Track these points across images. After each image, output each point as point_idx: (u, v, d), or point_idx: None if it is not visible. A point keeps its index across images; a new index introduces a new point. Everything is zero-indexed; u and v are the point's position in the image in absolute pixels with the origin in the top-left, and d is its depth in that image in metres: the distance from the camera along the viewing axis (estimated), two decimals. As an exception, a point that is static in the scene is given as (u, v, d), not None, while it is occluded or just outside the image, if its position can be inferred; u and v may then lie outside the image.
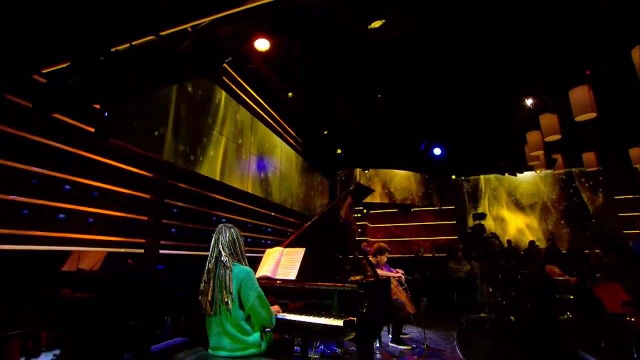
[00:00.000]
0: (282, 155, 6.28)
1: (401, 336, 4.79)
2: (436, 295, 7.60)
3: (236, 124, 4.84)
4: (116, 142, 3.00)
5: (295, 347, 3.42)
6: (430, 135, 8.86)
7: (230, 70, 4.81)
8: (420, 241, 10.68)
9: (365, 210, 10.82)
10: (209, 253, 2.20)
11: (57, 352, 2.80)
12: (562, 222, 9.65)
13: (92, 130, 2.83)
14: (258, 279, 3.11)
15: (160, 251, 3.65)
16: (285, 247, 3.33)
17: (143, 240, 3.45)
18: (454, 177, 10.47)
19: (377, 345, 4.47)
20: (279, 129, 6.41)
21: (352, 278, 2.84)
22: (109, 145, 3.02)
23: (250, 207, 5.57)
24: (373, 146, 8.98)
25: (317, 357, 3.96)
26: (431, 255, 9.60)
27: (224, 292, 2.10)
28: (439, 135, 8.91)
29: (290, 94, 5.11)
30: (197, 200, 4.33)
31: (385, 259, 4.89)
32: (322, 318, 2.49)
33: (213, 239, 2.22)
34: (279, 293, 2.96)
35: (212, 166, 4.32)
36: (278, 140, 6.13)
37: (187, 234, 4.25)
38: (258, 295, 2.14)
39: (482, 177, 10.60)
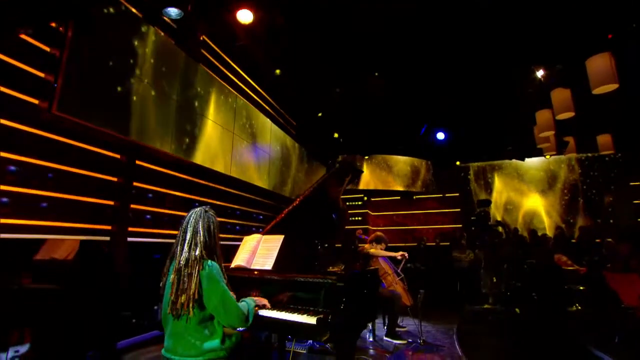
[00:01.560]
0: (273, 138, 5.91)
1: (397, 329, 4.48)
2: (439, 286, 7.29)
3: (218, 103, 4.47)
4: (71, 118, 2.66)
5: (288, 343, 3.13)
6: (433, 118, 8.40)
7: (211, 44, 4.42)
8: (423, 229, 10.32)
9: (365, 198, 10.46)
10: (177, 240, 1.86)
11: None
12: (572, 209, 9.17)
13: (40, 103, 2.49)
14: (233, 269, 2.84)
15: (132, 239, 3.36)
16: (265, 234, 3.01)
17: (109, 227, 3.15)
18: (458, 163, 10.00)
19: (371, 339, 4.17)
20: (270, 111, 6.03)
21: (331, 268, 2.51)
22: (62, 121, 2.69)
23: (239, 192, 5.25)
24: (372, 131, 8.56)
25: (304, 351, 3.67)
26: (434, 244, 9.25)
27: (189, 294, 1.76)
28: (443, 119, 8.44)
29: (277, 71, 4.71)
30: (179, 185, 4.02)
31: (384, 248, 4.54)
32: (296, 314, 2.16)
33: (185, 225, 1.88)
34: (256, 285, 2.66)
35: (192, 150, 3.98)
36: (268, 122, 5.75)
37: (165, 220, 3.95)
38: (222, 295, 1.80)
39: (488, 162, 10.11)
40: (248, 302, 1.98)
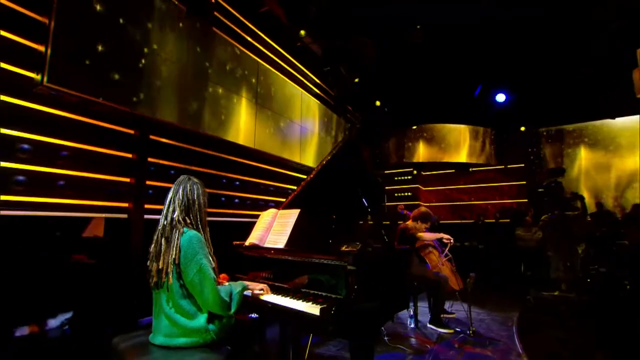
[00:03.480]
0: (305, 109, 5.49)
1: (444, 316, 3.97)
2: (498, 268, 6.49)
3: (237, 71, 4.15)
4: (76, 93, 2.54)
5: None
6: (492, 78, 7.24)
7: (226, 6, 4.06)
8: (481, 205, 9.28)
9: (415, 172, 9.65)
10: (164, 208, 1.73)
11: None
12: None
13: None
14: (244, 247, 2.58)
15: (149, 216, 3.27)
16: (284, 208, 2.69)
17: (126, 205, 3.08)
18: (523, 128, 8.64)
19: (412, 325, 3.73)
20: (302, 79, 5.55)
21: (345, 247, 2.09)
22: (66, 98, 2.58)
23: (269, 167, 4.98)
24: (421, 97, 7.67)
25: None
26: (494, 220, 8.25)
27: (167, 260, 1.60)
28: (503, 78, 7.24)
29: (302, 32, 4.22)
30: (199, 161, 3.85)
31: (428, 227, 3.96)
32: (299, 302, 1.81)
33: (170, 193, 1.75)
34: (266, 265, 2.37)
35: (209, 121, 3.76)
36: (298, 91, 5.32)
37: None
38: (200, 269, 1.57)
39: (562, 126, 8.56)
40: (233, 287, 1.68)
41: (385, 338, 3.29)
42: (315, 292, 1.90)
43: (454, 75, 6.96)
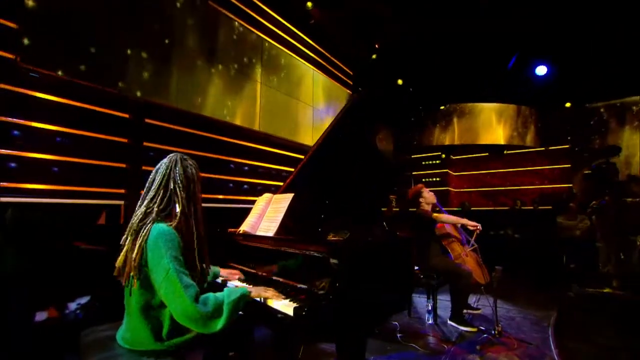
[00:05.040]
0: (318, 88, 5.17)
1: (469, 312, 3.59)
2: (536, 260, 5.89)
3: (237, 47, 3.90)
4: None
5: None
6: (531, 48, 6.43)
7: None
8: (517, 191, 8.50)
9: (443, 156, 9.02)
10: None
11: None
12: None
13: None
14: (237, 235, 2.38)
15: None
16: (281, 192, 2.47)
17: (123, 191, 2.99)
18: (568, 104, 7.68)
19: (430, 321, 3.39)
20: (315, 57, 5.20)
21: (332, 236, 1.81)
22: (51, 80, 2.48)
23: (277, 151, 4.74)
24: (450, 74, 7.02)
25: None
26: (532, 207, 7.51)
27: (130, 261, 1.30)
28: (544, 48, 6.40)
29: (309, 4, 3.86)
30: (201, 145, 3.69)
31: (431, 195, 3.53)
32: (281, 300, 1.56)
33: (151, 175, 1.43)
34: (252, 257, 2.16)
35: (206, 102, 3.57)
36: (310, 70, 4.99)
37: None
38: (167, 275, 1.22)
39: (618, 100, 7.51)
40: (227, 294, 1.30)
41: (399, 335, 2.99)
42: (303, 286, 1.64)
43: (487, 47, 6.26)
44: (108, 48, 2.75)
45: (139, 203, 1.38)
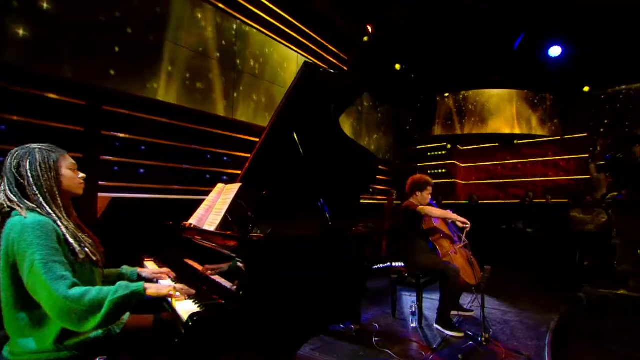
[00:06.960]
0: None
1: (460, 314, 3.27)
2: (547, 255, 5.46)
3: (207, 31, 3.64)
4: None
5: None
6: (544, 29, 5.89)
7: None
8: (529, 183, 7.96)
9: (449, 146, 8.54)
10: None
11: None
12: None
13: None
14: (184, 229, 2.17)
15: (117, 195, 2.99)
16: (240, 181, 2.26)
17: (78, 181, 2.81)
18: (587, 89, 7.06)
19: (415, 324, 3.08)
20: (301, 39, 4.87)
21: (255, 232, 1.54)
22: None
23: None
24: (455, 58, 6.56)
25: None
26: (545, 201, 7.00)
27: None
28: (558, 27, 5.84)
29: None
30: (164, 133, 3.49)
31: (429, 198, 3.23)
32: (189, 301, 1.30)
33: None
34: (193, 253, 1.94)
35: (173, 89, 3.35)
36: (293, 54, 4.66)
37: (163, 174, 3.53)
38: (31, 267, 1.07)
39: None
40: (114, 290, 1.12)
41: (375, 339, 2.71)
42: (228, 287, 1.37)
43: (495, 29, 5.77)
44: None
45: None
